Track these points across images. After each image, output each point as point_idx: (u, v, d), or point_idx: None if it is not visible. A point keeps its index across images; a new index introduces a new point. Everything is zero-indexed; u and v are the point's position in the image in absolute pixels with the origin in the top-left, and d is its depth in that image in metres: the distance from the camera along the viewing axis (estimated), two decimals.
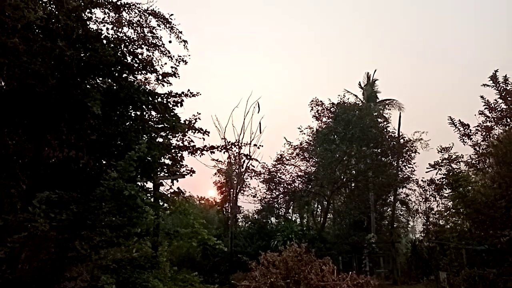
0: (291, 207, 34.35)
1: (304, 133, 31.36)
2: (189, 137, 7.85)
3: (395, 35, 54.74)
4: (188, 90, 7.36)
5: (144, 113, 6.85)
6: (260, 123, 27.56)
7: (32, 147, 5.43)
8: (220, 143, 9.97)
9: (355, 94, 36.29)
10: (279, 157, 30.49)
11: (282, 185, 30.43)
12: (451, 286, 18.09)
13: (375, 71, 37.41)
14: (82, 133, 6.02)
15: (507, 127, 17.45)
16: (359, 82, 38.00)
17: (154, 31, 8.03)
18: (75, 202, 5.23)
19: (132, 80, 6.84)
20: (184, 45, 8.52)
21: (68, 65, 5.77)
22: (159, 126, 7.10)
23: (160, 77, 7.07)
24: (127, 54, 6.56)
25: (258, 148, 9.63)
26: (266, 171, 30.17)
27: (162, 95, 7.12)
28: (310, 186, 30.80)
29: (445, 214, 25.17)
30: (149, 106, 6.72)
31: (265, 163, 30.22)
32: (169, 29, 8.29)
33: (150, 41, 7.14)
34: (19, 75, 5.53)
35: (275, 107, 45.02)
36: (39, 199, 4.82)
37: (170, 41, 8.48)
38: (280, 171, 30.60)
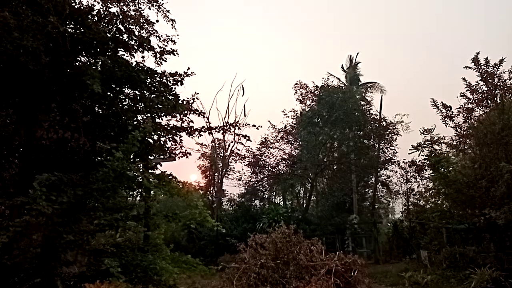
0: (275, 190, 34.60)
1: (288, 116, 31.48)
2: (188, 118, 7.71)
3: (378, 17, 54.85)
4: (188, 68, 7.20)
5: (143, 93, 6.65)
6: (244, 107, 27.45)
7: (23, 128, 5.21)
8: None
9: (338, 77, 36.47)
10: (264, 140, 30.55)
11: (266, 169, 30.56)
12: (432, 263, 18.67)
13: (357, 54, 37.62)
14: (77, 113, 5.81)
15: (488, 108, 17.85)
16: (342, 65, 38.18)
17: (140, 10, 7.75)
18: (74, 185, 5.09)
19: (129, 58, 6.63)
20: (172, 25, 8.29)
21: (61, 42, 5.53)
22: (159, 106, 6.92)
23: (158, 55, 6.85)
24: (124, 31, 6.32)
25: (257, 128, 9.53)
26: (251, 155, 30.20)
27: (161, 74, 6.93)
28: (294, 169, 31.02)
29: (426, 194, 25.85)
30: (148, 85, 6.52)
31: (249, 146, 30.22)
32: (156, 7, 8.04)
33: (143, 19, 6.87)
34: (11, 51, 5.27)
35: (260, 90, 44.82)
36: (39, 181, 4.65)
37: (157, 21, 8.23)
38: (265, 155, 30.69)
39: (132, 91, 6.57)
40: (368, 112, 31.08)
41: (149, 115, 6.82)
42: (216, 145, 28.87)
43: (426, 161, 19.75)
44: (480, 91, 17.91)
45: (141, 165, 5.07)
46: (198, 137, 7.87)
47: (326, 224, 28.86)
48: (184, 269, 6.94)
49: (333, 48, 54.41)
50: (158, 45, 7.24)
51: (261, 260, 11.72)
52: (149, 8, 8.22)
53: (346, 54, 38.34)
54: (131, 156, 5.21)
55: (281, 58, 53.71)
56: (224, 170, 28.62)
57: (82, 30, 5.82)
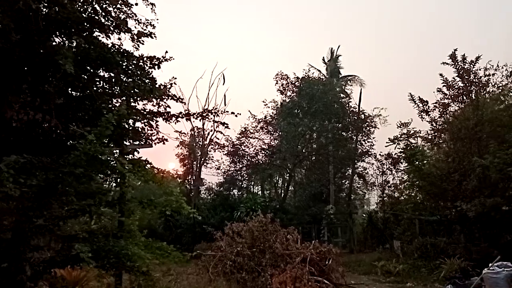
0: (254, 179, 34.71)
1: (269, 107, 31.46)
2: (165, 103, 7.57)
3: (360, 12, 55.23)
4: (166, 52, 7.05)
5: (118, 75, 6.46)
6: (225, 95, 27.29)
7: None
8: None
9: (318, 69, 36.59)
10: (243, 130, 30.50)
11: (245, 158, 30.57)
12: (404, 253, 19.18)
13: (338, 46, 37.78)
14: (49, 95, 5.61)
15: (463, 104, 18.26)
16: (323, 57, 38.29)
17: None
18: (45, 168, 4.94)
19: (105, 40, 6.43)
20: (151, 9, 8.10)
21: (33, 21, 5.30)
22: (136, 90, 6.74)
23: (135, 37, 6.67)
24: (100, 12, 6.11)
25: (236, 116, 9.46)
26: (230, 144, 30.13)
27: (138, 57, 6.76)
28: (273, 159, 31.15)
29: (401, 186, 26.42)
30: (124, 68, 6.35)
31: (229, 136, 30.11)
32: None
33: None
34: None
35: (240, 80, 44.60)
36: (6, 163, 4.48)
37: (136, 4, 8.03)
38: (244, 144, 30.68)
39: (108, 74, 6.39)
40: (347, 105, 31.41)
41: (124, 98, 6.64)
42: (195, 133, 28.65)
43: (401, 154, 20.15)
44: (456, 87, 18.27)
45: (117, 150, 4.94)
46: (176, 123, 7.77)
47: (303, 214, 29.18)
48: (157, 256, 6.89)
49: (315, 41, 54.53)
50: (135, 27, 7.08)
51: (237, 248, 11.82)
52: None
53: (327, 47, 38.51)
54: (105, 140, 5.08)
55: (264, 49, 53.53)
56: (202, 159, 28.47)
57: (57, 9, 5.60)
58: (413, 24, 53.72)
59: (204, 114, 7.79)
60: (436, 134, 19.71)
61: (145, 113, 7.08)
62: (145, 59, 6.83)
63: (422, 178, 17.77)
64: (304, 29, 55.30)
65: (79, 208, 5.29)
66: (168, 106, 7.60)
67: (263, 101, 31.17)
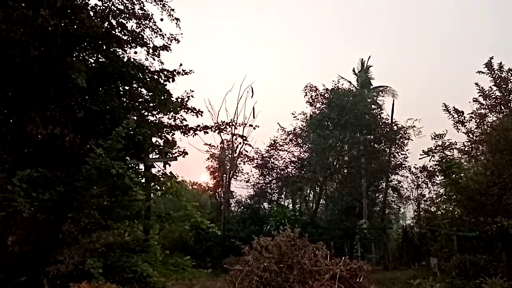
0: (284, 192, 34.38)
1: (298, 119, 31.28)
2: (181, 116, 7.57)
3: (391, 21, 54.34)
4: (180, 65, 7.08)
5: (134, 89, 6.52)
6: (253, 108, 27.35)
7: (14, 124, 5.11)
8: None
9: (349, 80, 36.13)
10: (272, 142, 30.36)
11: (275, 171, 30.35)
12: (441, 271, 18.24)
13: (369, 57, 37.23)
14: (68, 109, 5.71)
15: (501, 114, 17.40)
16: (353, 68, 37.82)
17: (144, 8, 7.68)
18: (60, 182, 4.98)
19: (121, 54, 6.50)
20: (176, 23, 8.21)
21: (52, 36, 5.43)
22: (151, 104, 6.79)
23: (151, 51, 6.73)
24: (116, 26, 6.19)
25: (254, 128, 9.37)
26: (259, 157, 30.04)
27: (153, 70, 6.81)
28: (303, 172, 30.76)
29: (437, 200, 25.35)
30: (139, 82, 6.39)
31: (258, 148, 30.06)
32: (161, 6, 7.96)
33: (140, 13, 6.75)
34: None
35: (269, 93, 44.71)
36: (19, 177, 4.53)
37: (161, 19, 8.16)
38: (273, 157, 30.49)
39: (122, 87, 6.44)
40: (379, 116, 30.68)
41: (139, 112, 6.67)
42: (224, 146, 28.78)
43: (437, 166, 19.34)
44: (493, 96, 17.49)
45: (129, 164, 4.92)
46: (193, 136, 7.75)
47: (335, 228, 28.55)
48: (171, 272, 6.79)
49: (345, 52, 54.06)
50: (151, 40, 7.16)
51: (264, 263, 11.55)
52: (154, 5, 8.15)
53: (358, 58, 38.00)
54: (120, 154, 5.07)
55: (293, 61, 53.57)
56: (232, 172, 28.49)
57: (75, 25, 5.72)
58: (447, 32, 52.30)
59: (222, 127, 7.71)
60: (473, 146, 18.83)
61: (160, 126, 7.07)
62: (159, 72, 6.86)
63: (459, 192, 16.93)
64: (334, 41, 55.03)
65: (94, 222, 5.28)
66: (184, 119, 7.60)
67: (292, 113, 31.04)
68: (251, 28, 52.12)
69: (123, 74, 5.97)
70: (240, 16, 50.34)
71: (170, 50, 7.11)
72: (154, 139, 7.65)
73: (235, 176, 29.83)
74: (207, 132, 7.70)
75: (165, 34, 8.03)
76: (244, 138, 8.37)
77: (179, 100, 7.26)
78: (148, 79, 6.31)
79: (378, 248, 29.26)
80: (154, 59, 6.84)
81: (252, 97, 27.59)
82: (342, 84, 32.33)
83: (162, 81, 6.84)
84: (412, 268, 22.46)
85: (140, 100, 6.55)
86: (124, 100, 6.53)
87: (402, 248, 26.33)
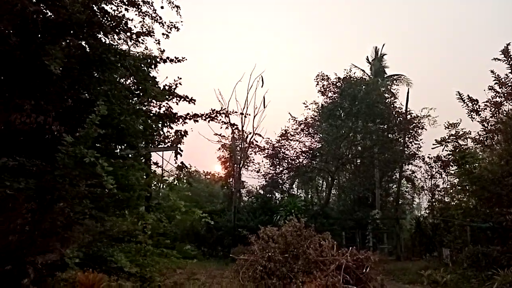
0: (295, 182, 34.25)
1: (309, 109, 30.92)
2: (166, 103, 7.49)
3: (405, 9, 53.12)
4: (162, 51, 7.00)
5: (115, 76, 6.43)
6: (264, 98, 27.14)
7: None
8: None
9: (362, 69, 35.52)
10: (284, 132, 30.14)
11: (286, 161, 30.20)
12: (453, 262, 17.99)
13: (383, 45, 36.51)
14: (51, 98, 5.66)
15: None
16: (367, 56, 37.17)
17: None
18: (40, 171, 4.98)
19: (104, 41, 6.43)
20: (177, 11, 8.09)
21: (33, 23, 5.37)
22: (137, 92, 6.73)
23: (135, 36, 6.63)
24: (98, 11, 6.11)
25: (245, 117, 9.19)
26: (270, 147, 29.89)
27: (135, 57, 6.73)
28: (314, 162, 30.53)
29: (451, 191, 24.88)
30: (119, 68, 6.30)
31: (269, 138, 29.90)
32: None
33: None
34: None
35: (280, 82, 44.42)
36: None
37: (162, 7, 8.06)
38: (284, 147, 30.30)
39: (103, 74, 6.35)
40: (392, 105, 30.13)
41: (122, 100, 6.57)
42: (235, 136, 28.72)
43: (450, 156, 18.97)
44: (509, 84, 16.91)
45: (95, 151, 4.83)
46: (183, 125, 7.65)
47: (347, 218, 28.38)
48: (153, 262, 6.77)
49: (359, 40, 53.16)
50: (152, 29, 7.06)
51: (269, 253, 11.54)
52: None
53: (372, 46, 37.30)
54: (92, 142, 5.00)
55: (305, 50, 52.97)
56: (243, 162, 28.45)
57: (57, 11, 5.65)
58: (462, 18, 50.88)
59: (213, 115, 7.58)
60: (488, 135, 18.33)
61: (142, 114, 6.96)
62: (141, 59, 6.76)
63: (472, 182, 16.60)
64: (347, 29, 54.15)
65: (80, 211, 5.28)
66: (170, 107, 7.51)
67: (304, 103, 30.71)
68: (262, 17, 51.68)
69: (104, 61, 5.89)
70: (251, 4, 49.88)
71: (153, 35, 7.03)
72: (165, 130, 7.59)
73: (246, 166, 29.80)
74: (197, 121, 7.58)
75: (165, 22, 7.93)
76: (235, 126, 8.22)
77: (166, 88, 7.16)
78: (128, 65, 6.20)
79: (390, 238, 29.03)
80: (136, 45, 6.75)
81: (262, 86, 27.35)
82: (355, 73, 31.79)
83: (143, 67, 6.72)
84: (424, 258, 22.20)
85: (120, 86, 6.46)
86: (105, 87, 6.44)
87: (415, 239, 26.05)
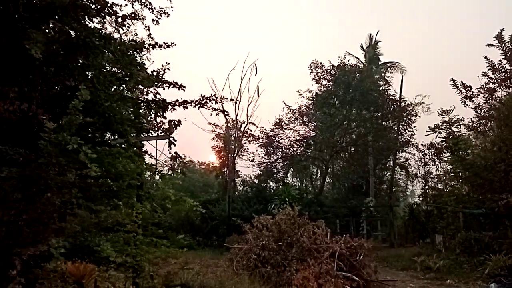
0: (290, 171, 34.27)
1: (304, 97, 30.78)
2: (154, 90, 7.34)
3: None
4: (149, 35, 6.85)
5: (101, 61, 6.27)
6: (258, 86, 26.89)
7: None
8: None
9: (356, 56, 35.33)
10: (278, 121, 30.03)
11: (280, 150, 30.16)
12: (446, 248, 18.16)
13: (377, 32, 36.31)
14: (35, 84, 5.51)
15: (511, 88, 16.88)
16: (361, 44, 36.97)
17: None
18: (24, 160, 4.86)
19: (89, 25, 6.26)
20: None
21: (14, 7, 5.20)
22: (123, 77, 6.57)
23: (120, 20, 6.46)
24: None
25: (236, 103, 9.05)
26: (265, 136, 29.81)
27: (119, 40, 6.56)
28: (309, 151, 30.53)
29: (444, 178, 25.03)
30: (103, 53, 6.13)
31: (263, 127, 29.78)
32: None
33: None
34: None
35: (274, 70, 44.18)
36: None
37: None
38: (279, 136, 30.23)
39: (86, 59, 6.18)
40: (386, 93, 30.10)
41: (106, 85, 6.43)
42: (229, 125, 28.57)
43: (443, 143, 19.03)
44: (503, 70, 16.92)
45: (80, 138, 4.70)
46: (172, 112, 7.53)
47: (341, 206, 28.52)
48: (142, 251, 6.70)
49: (353, 27, 52.89)
50: (142, 14, 6.89)
51: (263, 242, 11.56)
52: None
53: (366, 33, 37.08)
54: (75, 129, 4.87)
55: (299, 38, 52.63)
56: (237, 151, 28.36)
57: None
58: (456, 5, 50.69)
59: (202, 102, 7.46)
60: (481, 121, 18.38)
61: (129, 100, 6.81)
62: (125, 43, 6.60)
63: (465, 168, 16.69)
64: (341, 16, 53.79)
65: (67, 201, 5.19)
66: (158, 93, 7.38)
67: (298, 91, 30.57)
68: (256, 4, 51.18)
69: (88, 45, 5.73)
70: None
71: (140, 18, 6.87)
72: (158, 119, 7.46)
73: (240, 156, 29.72)
74: (187, 107, 7.43)
75: (155, 8, 7.76)
76: (226, 112, 8.16)
77: (154, 74, 7.02)
78: (113, 49, 6.04)
79: (384, 225, 29.23)
80: (121, 29, 6.58)
81: (256, 74, 27.05)
82: (349, 60, 31.59)
83: (129, 52, 6.54)
84: (418, 245, 22.39)
85: (105, 72, 6.30)
86: (90, 73, 6.28)
87: (408, 226, 26.27)
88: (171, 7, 7.93)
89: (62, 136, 4.66)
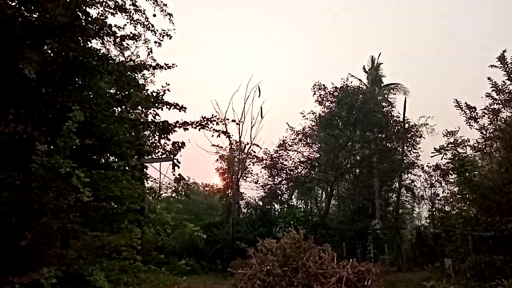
0: (294, 193, 33.97)
1: (307, 118, 30.78)
2: (154, 111, 7.29)
3: (401, 18, 53.50)
4: (149, 54, 6.85)
5: (98, 81, 6.21)
6: (261, 108, 27.03)
7: None
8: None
9: (359, 78, 35.59)
10: (281, 142, 29.96)
11: (284, 171, 29.96)
12: (456, 273, 17.67)
13: (379, 54, 36.62)
14: (31, 105, 5.44)
15: None
16: (364, 66, 37.28)
17: (136, 3, 7.46)
18: (19, 184, 4.74)
19: (88, 45, 6.25)
20: (169, 19, 8.00)
21: (10, 27, 5.17)
22: (121, 98, 6.52)
23: (118, 40, 6.44)
24: (80, 15, 5.92)
25: (238, 124, 8.98)
26: (268, 157, 29.68)
27: (118, 62, 6.53)
28: (313, 172, 30.31)
29: (451, 200, 24.65)
30: (101, 73, 6.06)
31: (267, 148, 29.72)
32: (154, 1, 7.75)
33: (115, 3, 6.47)
34: None
35: (277, 92, 44.41)
36: None
37: (154, 15, 7.96)
38: (283, 157, 30.10)
39: (83, 80, 6.13)
40: (390, 114, 30.06)
41: (102, 107, 6.35)
42: (233, 147, 28.52)
43: (449, 164, 18.78)
44: (506, 91, 16.83)
45: (73, 162, 4.56)
46: (172, 133, 7.44)
47: (346, 229, 28.07)
48: (139, 280, 6.47)
49: (356, 49, 53.41)
50: (144, 36, 6.94)
51: (267, 267, 11.28)
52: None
53: (368, 55, 37.40)
54: (69, 151, 4.76)
55: (301, 60, 53.15)
56: (241, 173, 28.21)
57: (38, 14, 5.46)
58: (458, 27, 51.18)
59: (203, 123, 7.38)
60: (486, 142, 18.18)
61: (128, 122, 6.71)
62: (125, 64, 6.57)
63: (472, 190, 16.37)
64: (343, 39, 54.37)
65: (62, 227, 5.03)
66: (157, 115, 7.33)
67: (301, 113, 30.61)
68: (259, 27, 51.91)
69: (85, 65, 5.67)
70: (248, 15, 50.16)
71: (138, 39, 6.88)
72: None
73: (244, 177, 29.53)
74: (187, 129, 7.37)
75: (157, 30, 7.82)
76: (227, 134, 8.06)
77: (154, 94, 6.98)
78: (111, 70, 5.98)
79: (391, 249, 28.66)
80: (121, 49, 6.58)
81: (259, 96, 27.28)
82: (351, 82, 31.77)
83: (126, 72, 6.47)
84: (426, 269, 21.86)
85: (102, 92, 6.23)
86: (87, 94, 6.22)
87: (416, 249, 25.70)
88: (174, 29, 7.99)
89: (55, 159, 4.55)
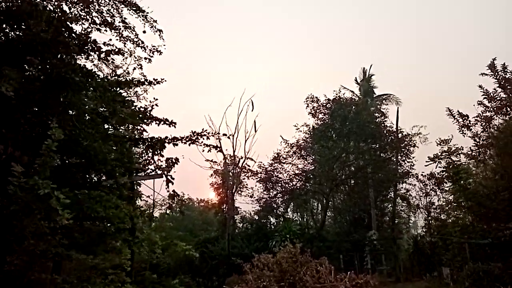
0: (290, 206, 33.75)
1: (301, 131, 30.78)
2: (141, 127, 7.19)
3: (391, 29, 54.24)
4: (134, 69, 6.79)
5: (82, 97, 6.09)
6: (254, 122, 26.97)
7: None
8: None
9: (351, 90, 35.76)
10: (276, 155, 29.86)
11: (279, 184, 29.79)
12: (454, 282, 17.52)
13: (371, 66, 36.93)
14: (15, 124, 5.32)
15: (507, 116, 16.88)
16: (355, 77, 37.54)
17: (125, 20, 7.44)
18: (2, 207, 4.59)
19: (73, 61, 6.14)
20: (159, 35, 7.96)
21: None
22: (106, 115, 6.40)
23: (103, 55, 6.34)
24: (64, 31, 5.83)
25: (228, 138, 8.85)
26: (263, 171, 29.53)
27: (103, 77, 6.43)
28: (308, 185, 30.17)
29: (447, 208, 24.62)
30: (84, 89, 5.94)
31: (261, 162, 29.58)
32: (143, 18, 7.72)
33: (103, 19, 6.42)
34: None
35: (271, 105, 44.51)
36: None
37: (144, 31, 7.92)
38: (277, 170, 29.96)
39: (66, 96, 6.01)
40: (383, 124, 30.15)
41: (86, 123, 6.22)
42: (227, 161, 28.35)
43: (444, 173, 18.83)
44: (498, 98, 17.00)
45: (52, 183, 4.37)
46: (163, 150, 7.32)
47: (343, 241, 27.85)
48: None
49: (347, 61, 53.89)
50: (133, 53, 6.88)
51: (263, 283, 11.07)
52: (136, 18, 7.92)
53: (359, 67, 37.70)
54: (50, 171, 4.59)
55: (294, 72, 53.48)
56: (235, 187, 28.00)
57: (20, 32, 5.39)
58: (449, 36, 51.93)
59: (193, 138, 7.28)
60: (480, 150, 18.27)
61: (113, 139, 6.58)
62: (109, 79, 6.49)
63: (468, 198, 16.42)
64: (335, 51, 54.89)
65: (46, 250, 4.85)
66: (145, 130, 7.23)
67: (295, 125, 30.59)
68: (251, 41, 52.28)
69: (67, 81, 5.55)
70: (240, 29, 50.58)
71: (123, 54, 6.81)
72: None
73: (239, 192, 29.31)
74: (176, 144, 7.26)
75: (147, 46, 7.77)
76: (218, 148, 7.94)
77: (141, 110, 6.89)
78: (95, 85, 5.85)
79: (389, 259, 28.40)
80: (108, 65, 6.51)
81: (252, 110, 27.25)
82: (344, 94, 31.89)
83: (110, 88, 6.35)
84: (425, 279, 21.64)
85: (85, 108, 6.11)
86: (70, 111, 6.09)
87: (413, 259, 25.52)
88: (164, 45, 7.94)
89: (34, 180, 4.38)
